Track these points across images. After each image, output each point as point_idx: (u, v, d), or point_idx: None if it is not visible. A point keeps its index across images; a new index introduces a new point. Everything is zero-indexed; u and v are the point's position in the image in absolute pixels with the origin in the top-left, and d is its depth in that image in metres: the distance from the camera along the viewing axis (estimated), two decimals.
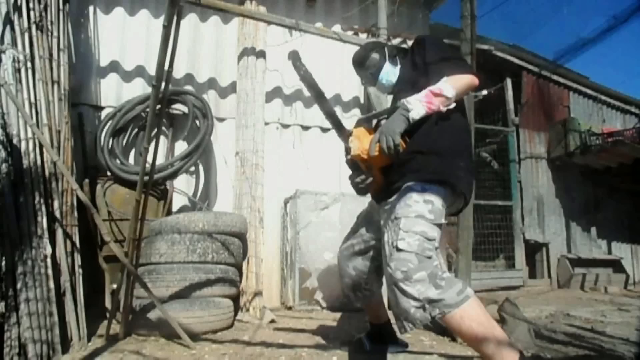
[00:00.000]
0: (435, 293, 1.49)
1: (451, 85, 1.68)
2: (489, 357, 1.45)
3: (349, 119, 4.65)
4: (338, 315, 3.37)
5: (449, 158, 1.74)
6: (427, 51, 1.84)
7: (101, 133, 3.62)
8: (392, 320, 1.90)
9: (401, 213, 1.64)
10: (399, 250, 1.57)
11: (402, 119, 1.65)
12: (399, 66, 2.03)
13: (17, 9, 2.78)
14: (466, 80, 1.72)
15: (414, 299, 1.50)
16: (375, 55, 2.04)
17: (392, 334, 2.33)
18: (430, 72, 1.77)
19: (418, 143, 1.72)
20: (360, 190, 1.90)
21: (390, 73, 2.02)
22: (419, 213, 1.63)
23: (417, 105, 1.65)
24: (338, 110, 4.63)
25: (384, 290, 1.96)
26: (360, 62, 2.07)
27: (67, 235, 2.61)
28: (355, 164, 1.83)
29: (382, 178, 1.82)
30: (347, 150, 1.79)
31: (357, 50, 2.16)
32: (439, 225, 1.66)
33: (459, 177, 1.75)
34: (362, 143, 1.74)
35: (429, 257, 1.56)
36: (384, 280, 1.88)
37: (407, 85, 1.85)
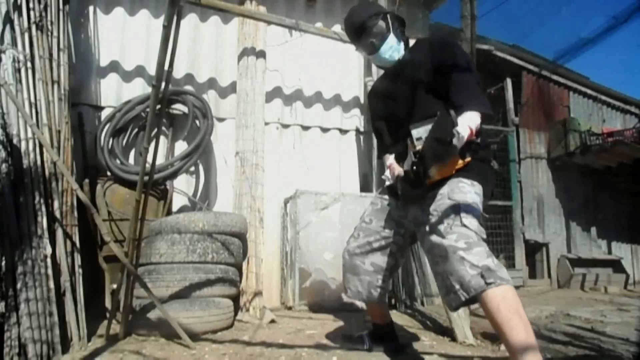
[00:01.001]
0: (493, 264, 1.56)
1: (477, 125, 1.71)
2: (513, 349, 1.46)
3: (349, 119, 4.66)
4: (338, 315, 3.37)
5: (487, 166, 1.92)
6: (459, 67, 1.81)
7: (101, 133, 3.62)
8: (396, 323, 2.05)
9: (459, 198, 1.71)
10: (463, 225, 1.64)
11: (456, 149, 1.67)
12: (402, 43, 1.97)
13: (17, 8, 2.78)
14: (477, 118, 1.72)
15: (474, 266, 1.55)
16: (381, 23, 1.91)
17: (393, 334, 2.36)
18: (457, 92, 1.76)
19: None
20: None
21: (394, 48, 1.95)
22: (474, 200, 1.73)
23: (465, 136, 1.64)
24: (338, 110, 4.63)
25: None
26: (362, 28, 1.92)
27: (67, 235, 2.61)
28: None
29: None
30: (427, 175, 1.77)
31: (356, 9, 1.99)
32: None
33: (491, 182, 1.92)
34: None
35: (484, 239, 1.66)
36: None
37: (421, 87, 1.87)
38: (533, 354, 1.43)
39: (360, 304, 2.87)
